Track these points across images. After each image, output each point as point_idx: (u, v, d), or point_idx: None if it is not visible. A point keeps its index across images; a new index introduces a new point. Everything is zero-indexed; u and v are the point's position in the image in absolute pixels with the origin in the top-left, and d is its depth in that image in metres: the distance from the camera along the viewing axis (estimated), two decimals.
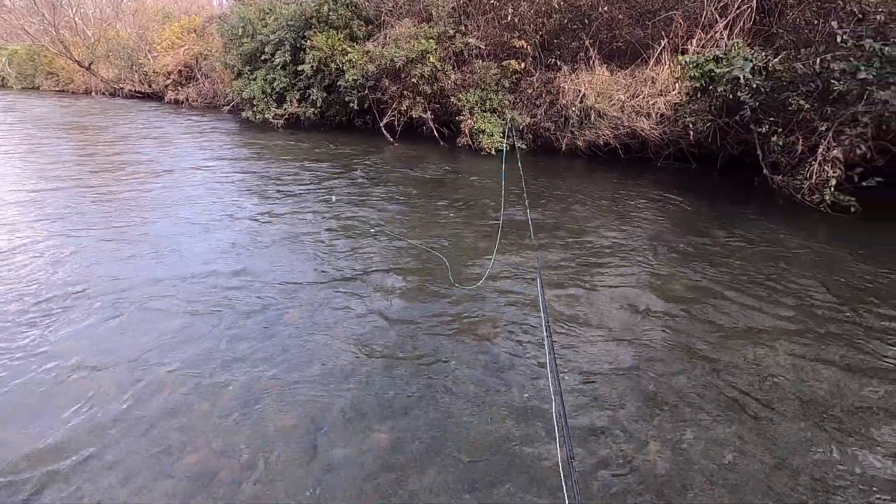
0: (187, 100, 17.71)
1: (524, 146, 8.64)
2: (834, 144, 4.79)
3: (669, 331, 3.07)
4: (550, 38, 9.18)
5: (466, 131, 8.83)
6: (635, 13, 8.51)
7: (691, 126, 6.31)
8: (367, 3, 10.66)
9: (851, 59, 5.09)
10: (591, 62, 8.36)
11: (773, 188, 5.48)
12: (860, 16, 5.92)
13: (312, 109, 10.99)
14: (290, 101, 11.15)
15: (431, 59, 9.02)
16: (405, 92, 9.64)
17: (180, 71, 18.28)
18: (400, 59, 9.03)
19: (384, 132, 9.98)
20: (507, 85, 9.00)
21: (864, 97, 4.79)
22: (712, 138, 6.44)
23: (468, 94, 8.95)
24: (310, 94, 10.91)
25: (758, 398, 2.47)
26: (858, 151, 4.71)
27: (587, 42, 8.54)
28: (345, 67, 9.98)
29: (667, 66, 7.52)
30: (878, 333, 3.01)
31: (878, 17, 5.73)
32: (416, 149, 9.27)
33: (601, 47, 8.60)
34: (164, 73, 18.62)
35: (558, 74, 8.54)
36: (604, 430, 2.27)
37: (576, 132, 7.99)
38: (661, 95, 7.28)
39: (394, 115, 9.99)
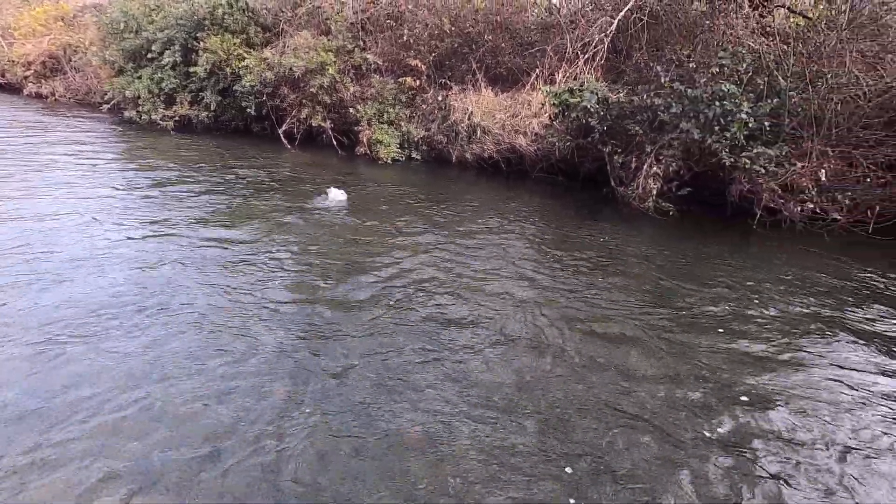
0: (53, 94, 15.97)
1: (419, 157, 9.34)
2: (655, 163, 6.09)
3: (521, 290, 3.85)
4: (443, 59, 10.03)
5: (365, 141, 9.31)
6: (515, 44, 9.69)
7: (556, 144, 7.42)
8: (264, 11, 10.73)
9: (669, 97, 6.49)
10: (478, 84, 9.33)
11: (618, 198, 6.71)
12: (678, 63, 7.49)
13: (206, 112, 10.72)
14: (181, 103, 10.77)
15: (330, 71, 9.40)
16: (304, 101, 9.87)
17: (44, 62, 16.42)
18: (299, 68, 9.28)
19: (283, 139, 10.09)
20: (403, 100, 9.66)
21: (676, 127, 6.16)
22: (573, 156, 7.62)
23: (366, 107, 9.46)
24: (203, 97, 10.65)
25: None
26: (672, 168, 6.05)
27: (475, 66, 9.51)
28: (241, 72, 9.96)
29: (540, 92, 8.69)
30: (678, 296, 4.07)
31: (690, 64, 7.32)
32: (315, 156, 9.52)
33: (487, 71, 9.62)
34: (24, 64, 16.60)
35: (450, 93, 9.39)
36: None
37: (465, 146, 8.86)
38: (535, 117, 8.39)
39: (293, 123, 10.15)
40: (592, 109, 6.59)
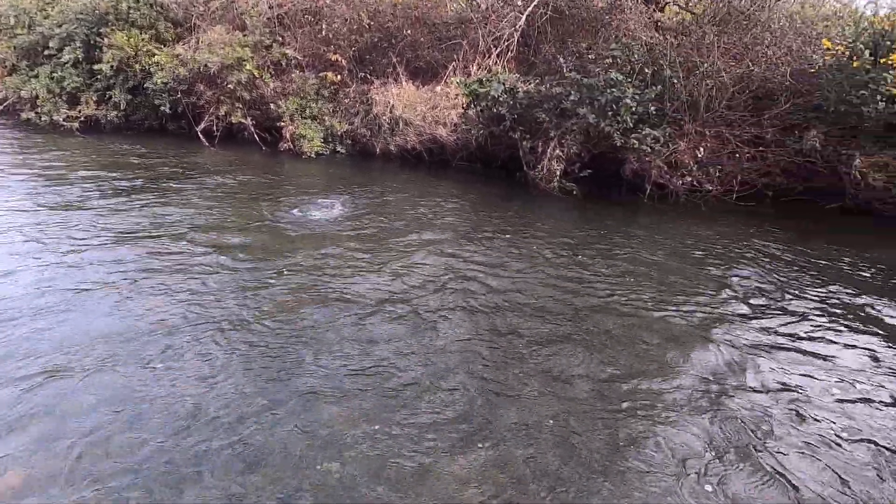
0: None
1: (344, 150, 9.47)
2: (558, 146, 6.65)
3: (456, 257, 4.19)
4: (363, 53, 10.18)
5: (288, 136, 9.31)
6: (433, 38, 10.02)
7: (472, 133, 7.84)
8: (174, 6, 10.37)
9: (569, 85, 7.06)
10: (399, 77, 9.58)
11: (529, 181, 7.22)
12: (579, 55, 8.13)
13: (115, 112, 10.23)
14: (87, 103, 10.20)
15: (248, 67, 9.29)
16: (223, 97, 9.69)
17: None
18: (214, 64, 9.10)
19: (201, 137, 9.83)
20: (325, 94, 9.72)
21: (576, 113, 6.74)
22: (489, 144, 8.08)
23: (288, 102, 9.44)
24: (111, 96, 10.15)
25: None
26: (573, 151, 6.63)
27: (395, 60, 9.74)
28: (152, 69, 9.61)
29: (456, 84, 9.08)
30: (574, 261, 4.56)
31: (590, 56, 7.97)
32: (237, 153, 9.38)
33: (407, 65, 9.88)
34: None
35: (371, 87, 9.57)
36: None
37: (388, 138, 9.09)
38: (454, 108, 8.77)
39: (212, 120, 9.93)
40: (501, 99, 7.04)
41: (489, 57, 9.28)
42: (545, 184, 6.76)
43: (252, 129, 9.85)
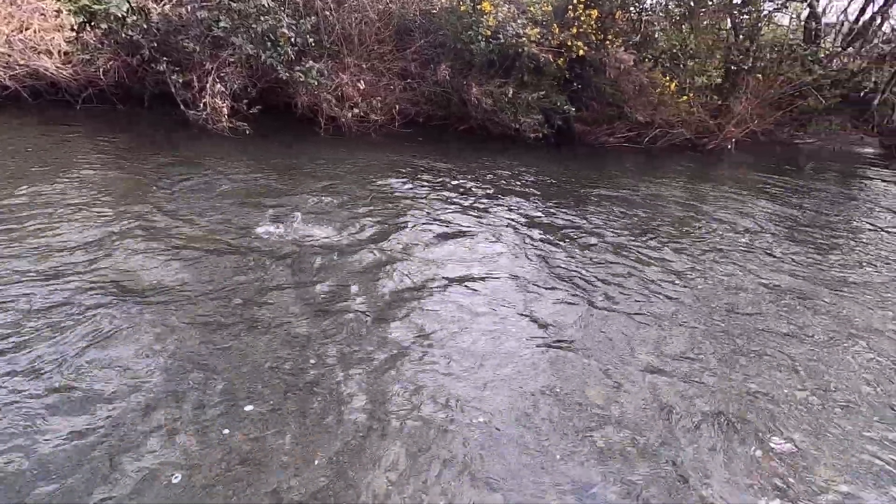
0: None
1: None
2: (218, 80, 5.95)
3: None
4: None
5: None
6: None
7: (97, 65, 6.16)
8: None
9: (216, 10, 6.24)
10: None
11: (192, 121, 6.29)
12: None
13: None
14: None
15: None
16: None
17: None
18: None
19: None
20: None
21: (231, 43, 6.09)
22: (130, 78, 6.54)
23: None
24: None
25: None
26: (237, 86, 6.06)
27: None
28: None
29: None
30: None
31: None
32: None
33: None
34: None
35: None
36: None
37: None
38: (60, 31, 6.61)
39: None
40: (130, 21, 5.68)
41: None
42: (213, 124, 6.01)
43: None
